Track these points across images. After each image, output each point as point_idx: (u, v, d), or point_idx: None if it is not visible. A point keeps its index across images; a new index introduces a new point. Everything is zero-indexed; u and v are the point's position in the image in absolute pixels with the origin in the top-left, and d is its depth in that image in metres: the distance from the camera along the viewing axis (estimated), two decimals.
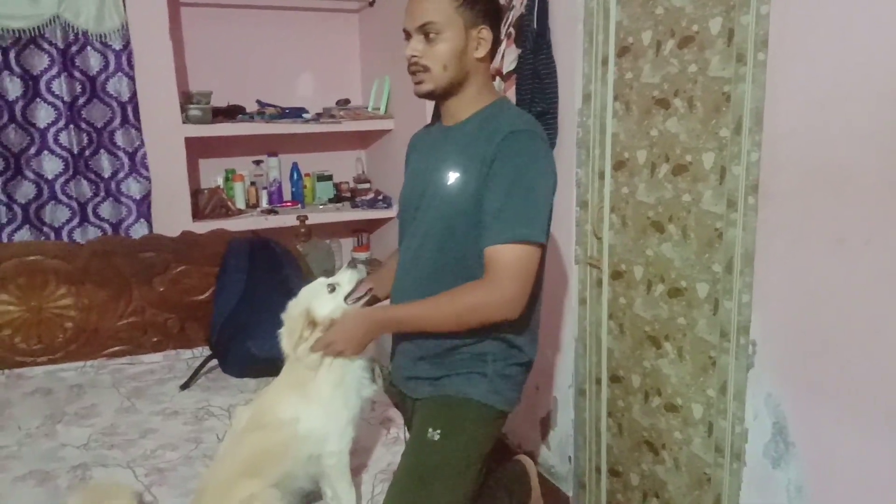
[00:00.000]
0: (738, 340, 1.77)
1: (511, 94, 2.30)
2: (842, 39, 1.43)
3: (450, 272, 1.50)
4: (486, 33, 1.49)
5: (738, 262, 1.74)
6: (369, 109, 3.37)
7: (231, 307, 2.39)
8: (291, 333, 1.56)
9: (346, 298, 1.58)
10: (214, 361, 2.35)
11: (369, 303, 1.64)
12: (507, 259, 1.40)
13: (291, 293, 2.44)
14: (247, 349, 2.27)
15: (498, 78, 2.36)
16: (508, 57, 2.34)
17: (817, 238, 1.52)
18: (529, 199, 1.41)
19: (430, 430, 1.51)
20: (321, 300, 1.57)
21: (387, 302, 1.69)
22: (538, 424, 2.65)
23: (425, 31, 1.45)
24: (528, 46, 2.31)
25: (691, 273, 1.91)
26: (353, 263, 1.65)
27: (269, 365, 2.25)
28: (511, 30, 2.37)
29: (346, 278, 1.60)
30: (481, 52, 1.50)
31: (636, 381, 2.17)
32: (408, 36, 1.50)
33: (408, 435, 1.86)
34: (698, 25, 1.79)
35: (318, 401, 1.53)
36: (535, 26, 2.29)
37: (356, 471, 1.74)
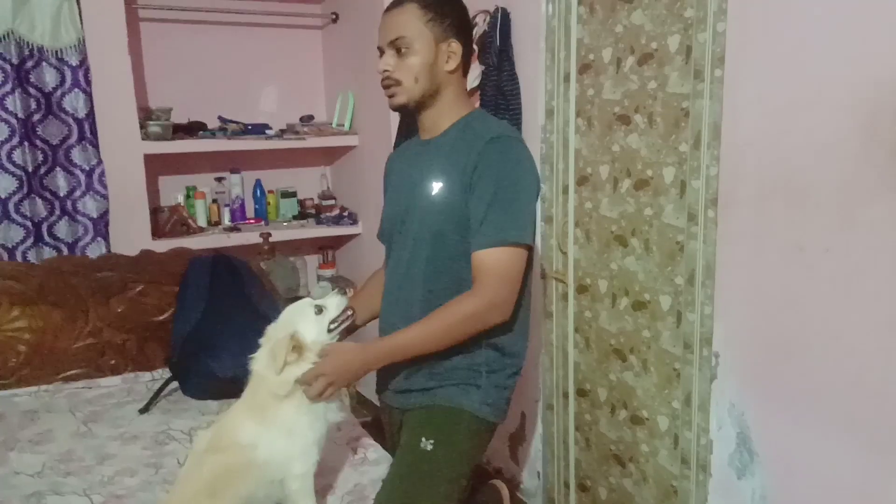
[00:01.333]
0: (701, 352, 1.79)
1: None
2: (797, 54, 1.47)
3: (443, 280, 1.52)
4: (456, 46, 1.52)
5: (699, 274, 1.76)
6: (333, 125, 3.36)
7: (191, 326, 2.33)
8: (276, 357, 1.47)
9: (330, 324, 1.53)
10: (175, 384, 2.29)
11: (349, 329, 1.61)
12: (493, 263, 1.42)
13: (255, 311, 2.42)
14: (209, 369, 2.21)
15: None
16: (472, 73, 2.35)
17: (777, 247, 1.55)
18: (513, 203, 1.44)
19: (423, 439, 1.50)
20: (308, 323, 1.51)
21: (373, 331, 1.67)
22: (507, 440, 2.64)
23: (396, 45, 1.48)
24: (492, 63, 2.33)
25: (654, 286, 1.93)
26: (340, 289, 1.59)
27: (231, 385, 2.19)
28: (474, 47, 2.39)
29: (335, 304, 1.54)
30: (451, 65, 1.53)
31: (603, 395, 2.18)
32: (381, 52, 1.53)
33: (384, 450, 1.84)
34: (657, 43, 1.83)
35: (279, 425, 1.47)
36: (498, 43, 2.32)
37: (322, 492, 1.70)
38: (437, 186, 1.50)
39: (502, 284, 1.43)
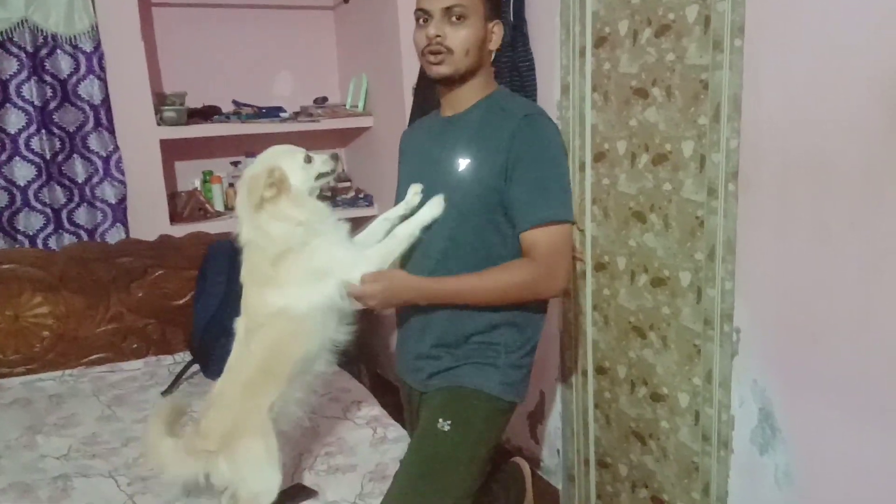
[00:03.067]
0: (721, 328, 1.77)
1: None
2: (820, 25, 1.43)
3: (464, 257, 1.52)
4: (499, 29, 1.53)
5: (719, 250, 1.74)
6: (347, 107, 3.35)
7: (212, 311, 2.36)
8: (252, 192, 1.42)
9: (317, 178, 1.51)
10: (196, 366, 2.32)
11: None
12: (546, 239, 1.44)
13: None
14: (229, 353, 2.23)
15: None
16: None
17: (800, 224, 1.52)
18: (555, 182, 1.46)
19: (441, 420, 1.51)
20: (293, 164, 1.47)
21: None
22: (526, 418, 2.65)
23: (454, 13, 1.45)
24: (506, 40, 2.29)
25: (674, 262, 1.91)
26: (334, 154, 1.58)
27: None
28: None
29: (322, 160, 1.53)
30: (494, 45, 1.54)
31: (622, 372, 2.17)
32: (425, 17, 1.49)
33: (405, 429, 1.85)
34: (675, 13, 1.79)
35: (297, 278, 1.44)
36: (512, 19, 2.28)
37: (343, 470, 1.72)
38: (463, 163, 1.49)
39: (558, 258, 1.46)
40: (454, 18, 1.45)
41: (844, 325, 1.45)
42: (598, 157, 2.15)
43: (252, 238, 1.46)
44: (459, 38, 1.46)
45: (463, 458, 1.51)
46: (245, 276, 1.51)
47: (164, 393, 2.20)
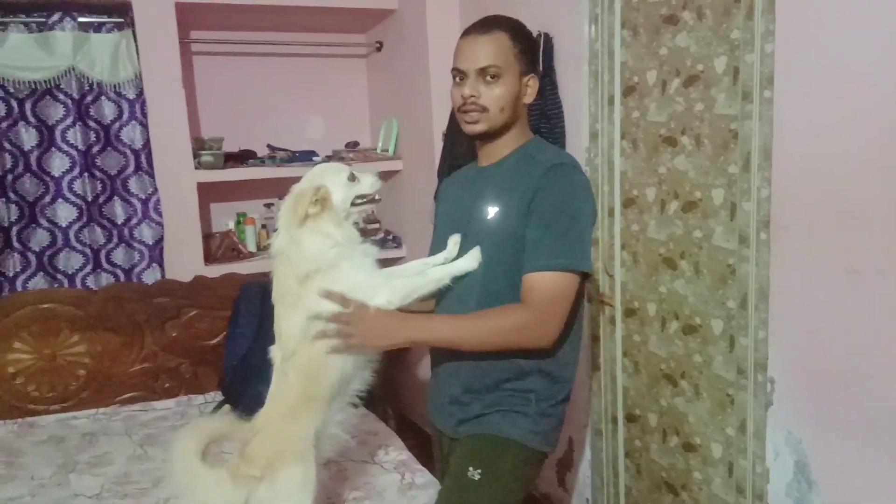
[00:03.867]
0: (755, 377, 1.74)
1: None
2: (846, 73, 1.44)
3: (497, 304, 1.50)
4: (534, 82, 1.55)
5: (752, 298, 1.73)
6: (378, 151, 3.41)
7: (243, 351, 2.39)
8: (296, 207, 1.44)
9: (357, 197, 1.51)
10: (227, 406, 2.34)
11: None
12: (544, 286, 1.42)
13: None
14: (258, 393, 2.24)
15: None
16: None
17: (830, 270, 1.51)
18: (570, 230, 1.44)
19: (471, 468, 1.49)
20: (338, 183, 1.48)
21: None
22: (555, 465, 2.61)
23: (488, 72, 1.48)
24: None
25: (705, 309, 1.90)
26: (379, 175, 1.58)
27: None
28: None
29: (370, 182, 1.53)
30: (528, 99, 1.55)
31: (653, 420, 2.14)
32: (461, 76, 1.52)
33: (431, 475, 1.84)
34: (703, 65, 1.81)
35: (322, 299, 1.44)
36: (541, 67, 2.33)
37: None
38: (492, 211, 1.51)
39: (552, 307, 1.42)
40: (489, 78, 1.48)
41: (877, 370, 1.43)
42: (627, 203, 2.16)
43: (285, 250, 1.48)
44: (494, 96, 1.49)
45: None
46: (276, 295, 1.54)
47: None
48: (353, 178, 1.52)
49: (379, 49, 3.40)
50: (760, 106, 1.64)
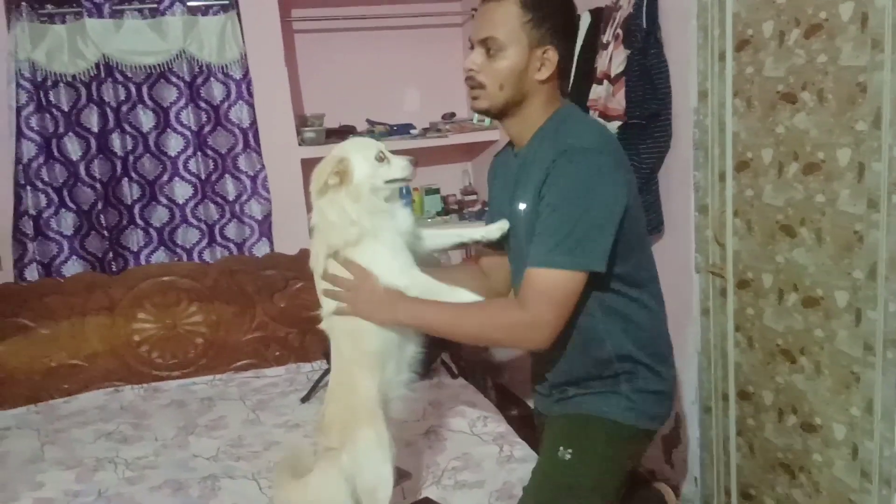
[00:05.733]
0: (885, 354, 1.60)
1: (620, 97, 2.22)
2: None
3: None
4: (552, 54, 1.40)
5: (882, 268, 1.57)
6: (474, 122, 3.37)
7: None
8: (318, 177, 1.44)
9: (386, 180, 1.46)
10: None
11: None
12: (542, 284, 1.31)
13: None
14: None
15: (606, 81, 2.29)
16: (616, 59, 2.26)
17: None
18: (577, 223, 1.30)
19: (562, 448, 1.46)
20: (364, 159, 1.44)
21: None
22: (660, 442, 2.52)
23: (486, 45, 1.38)
24: (637, 46, 2.22)
25: (828, 280, 1.75)
26: (414, 159, 1.52)
27: None
28: (619, 31, 2.29)
29: (400, 165, 1.47)
30: (543, 74, 1.41)
31: (768, 398, 2.01)
32: (472, 46, 1.44)
33: (530, 448, 1.82)
34: (826, 12, 1.65)
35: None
36: (645, 25, 2.20)
37: (470, 486, 1.72)
38: (522, 207, 1.42)
39: (548, 308, 1.31)
40: (491, 51, 1.38)
41: None
42: (741, 166, 2.02)
43: (316, 222, 1.48)
44: (492, 71, 1.38)
45: (586, 487, 1.44)
46: (312, 264, 1.54)
47: (303, 399, 2.30)
48: (381, 157, 1.46)
49: (474, 15, 3.34)
50: (893, 55, 1.47)
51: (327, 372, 2.39)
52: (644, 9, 2.18)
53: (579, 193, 1.31)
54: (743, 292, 2.07)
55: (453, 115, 3.48)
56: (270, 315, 2.64)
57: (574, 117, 1.46)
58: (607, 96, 2.27)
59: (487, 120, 3.30)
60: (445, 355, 2.56)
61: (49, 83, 2.72)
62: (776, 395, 1.98)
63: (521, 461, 1.79)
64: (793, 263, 1.86)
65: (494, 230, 1.51)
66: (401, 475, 1.75)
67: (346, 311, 1.45)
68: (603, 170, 1.33)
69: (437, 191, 3.52)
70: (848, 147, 1.64)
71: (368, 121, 3.39)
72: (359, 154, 1.46)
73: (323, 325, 1.56)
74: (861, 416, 1.69)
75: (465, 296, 1.46)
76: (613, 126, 2.26)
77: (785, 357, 1.93)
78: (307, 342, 2.66)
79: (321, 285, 1.51)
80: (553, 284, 1.31)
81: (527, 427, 1.94)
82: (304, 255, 2.77)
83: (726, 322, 2.15)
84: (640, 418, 1.48)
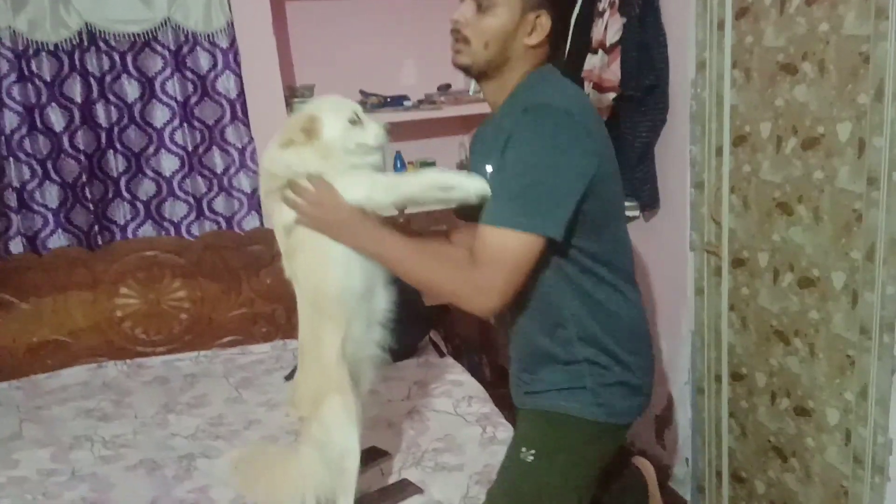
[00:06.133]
0: (881, 338, 1.54)
1: (615, 68, 2.13)
2: None
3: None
4: (545, 20, 1.31)
5: (881, 249, 1.51)
6: (471, 93, 3.27)
7: None
8: (285, 131, 1.36)
9: (356, 146, 1.36)
10: None
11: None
12: (493, 245, 1.22)
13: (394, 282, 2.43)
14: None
15: (601, 51, 2.20)
16: (612, 27, 2.16)
17: None
18: (536, 184, 1.21)
19: (524, 449, 1.38)
20: (335, 119, 1.35)
21: None
22: (652, 422, 2.48)
23: (478, 2, 1.30)
24: (634, 14, 2.12)
25: (825, 261, 1.68)
26: (388, 127, 1.42)
27: None
28: (572, 20, 2.18)
29: (374, 131, 1.38)
30: (533, 40, 1.32)
31: (761, 380, 1.96)
32: None
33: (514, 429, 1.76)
34: None
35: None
36: None
37: (450, 468, 1.68)
38: (489, 170, 1.33)
39: (498, 272, 1.22)
40: (482, 5, 1.29)
41: None
42: (738, 140, 1.94)
43: (268, 168, 1.41)
44: (479, 28, 1.30)
45: (551, 489, 1.37)
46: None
47: (287, 377, 2.26)
48: (355, 120, 1.37)
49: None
50: None
51: None
52: None
53: (542, 153, 1.22)
54: (738, 272, 2.01)
55: (448, 86, 3.38)
56: (257, 291, 2.59)
57: (548, 79, 1.37)
58: (602, 66, 2.18)
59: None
60: (434, 334, 2.51)
61: (31, 52, 2.64)
62: (769, 377, 1.93)
63: (503, 443, 1.74)
64: (789, 242, 1.79)
65: (474, 185, 1.34)
66: (380, 455, 1.73)
67: (306, 223, 1.37)
68: (571, 133, 1.24)
69: (432, 164, 3.44)
70: (849, 121, 1.56)
71: (362, 91, 3.30)
72: (331, 113, 1.37)
73: (287, 274, 1.49)
74: (855, 401, 1.63)
75: (433, 174, 1.42)
76: (608, 97, 2.17)
77: (779, 339, 1.87)
78: (294, 318, 2.59)
79: (283, 211, 1.40)
80: (503, 245, 1.22)
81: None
82: None
83: (720, 302, 2.09)
84: (608, 414, 1.37)
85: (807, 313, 1.76)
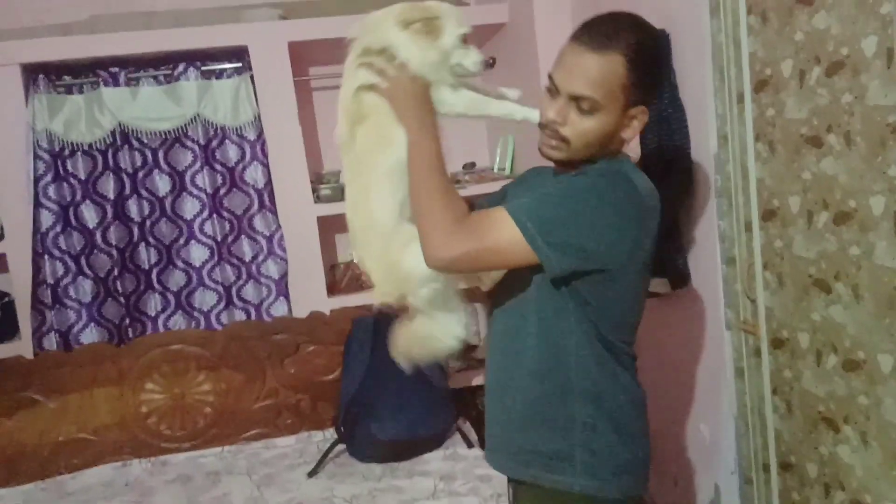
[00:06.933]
0: None
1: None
2: None
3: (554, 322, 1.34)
4: (644, 116, 1.30)
5: None
6: (495, 170, 3.28)
7: (355, 388, 2.34)
8: (407, 13, 1.31)
9: (454, 65, 1.35)
10: (342, 446, 2.30)
11: None
12: (492, 223, 1.22)
13: (415, 369, 2.36)
14: (370, 431, 2.19)
15: None
16: None
17: None
18: (569, 216, 1.21)
19: None
20: (454, 31, 1.31)
21: None
22: None
23: (582, 103, 1.26)
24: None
25: (870, 341, 1.56)
26: (489, 60, 1.43)
27: (393, 449, 2.17)
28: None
29: (474, 59, 1.36)
30: (630, 135, 1.31)
31: (812, 471, 1.81)
32: (554, 90, 1.30)
33: None
34: (848, 48, 1.50)
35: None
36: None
37: None
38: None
39: (475, 241, 1.20)
40: (583, 107, 1.26)
41: None
42: (767, 215, 1.86)
43: (374, 32, 1.35)
44: (580, 130, 1.27)
45: None
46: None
47: (310, 474, 2.19)
48: (465, 41, 1.36)
49: (492, 65, 3.26)
50: None
51: (336, 443, 2.29)
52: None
53: (595, 200, 1.22)
54: (778, 352, 1.88)
55: (473, 164, 3.39)
56: (281, 381, 2.56)
57: (627, 164, 1.37)
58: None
59: (508, 167, 3.21)
60: (462, 420, 2.42)
61: (66, 152, 2.75)
62: (821, 467, 1.77)
63: None
64: (830, 322, 1.68)
65: (524, 111, 1.42)
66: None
67: (381, 87, 1.33)
68: (631, 206, 1.24)
69: None
70: (881, 194, 1.47)
71: None
72: (453, 21, 1.33)
73: (340, 140, 1.43)
74: None
75: (508, 107, 1.45)
76: None
77: (828, 426, 1.73)
78: (320, 408, 2.56)
79: (360, 75, 1.37)
80: (499, 228, 1.20)
81: None
82: (316, 317, 2.72)
83: (762, 384, 1.96)
84: (605, 486, 1.30)
85: (855, 398, 1.63)
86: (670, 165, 2.08)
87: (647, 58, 1.26)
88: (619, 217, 1.23)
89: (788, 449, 1.89)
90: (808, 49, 1.63)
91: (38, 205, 2.70)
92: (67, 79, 2.75)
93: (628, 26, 1.26)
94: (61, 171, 2.75)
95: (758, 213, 1.89)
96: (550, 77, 1.32)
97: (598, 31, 1.26)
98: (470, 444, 2.28)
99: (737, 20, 1.85)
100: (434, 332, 1.40)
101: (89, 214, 2.78)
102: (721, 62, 1.93)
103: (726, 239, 2.02)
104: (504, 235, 1.20)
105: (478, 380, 3.03)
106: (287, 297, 2.95)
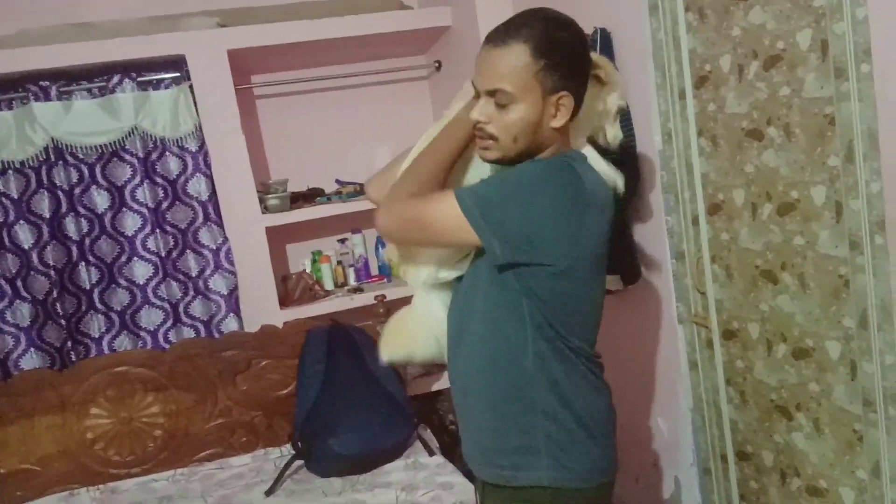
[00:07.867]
0: (887, 411, 1.43)
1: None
2: None
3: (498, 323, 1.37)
4: (568, 101, 1.30)
5: (873, 316, 1.42)
6: None
7: (311, 402, 2.28)
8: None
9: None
10: (300, 461, 2.24)
11: None
12: (439, 199, 1.29)
13: (373, 383, 2.32)
14: (329, 448, 2.14)
15: None
16: None
17: None
18: (507, 199, 1.26)
19: None
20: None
21: None
22: None
23: (497, 99, 1.27)
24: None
25: (817, 330, 1.59)
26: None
27: (353, 463, 2.12)
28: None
29: (612, 134, 1.49)
30: (559, 122, 1.31)
31: (768, 459, 1.84)
32: (476, 93, 1.33)
33: None
34: (784, 42, 1.53)
35: None
36: None
37: None
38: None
39: (416, 209, 1.30)
40: (498, 103, 1.28)
41: None
42: (713, 209, 1.88)
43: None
44: (504, 125, 1.29)
45: None
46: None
47: (268, 493, 2.13)
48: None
49: (438, 68, 3.26)
50: (858, 83, 1.35)
51: (293, 459, 2.23)
52: (598, 50, 2.08)
53: (535, 186, 1.24)
54: (730, 343, 1.91)
55: None
56: (233, 399, 2.48)
57: (577, 159, 1.38)
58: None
59: None
60: (423, 428, 2.39)
61: None
62: (776, 455, 1.80)
63: None
64: (778, 311, 1.71)
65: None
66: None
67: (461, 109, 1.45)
68: (571, 195, 1.26)
69: None
70: (822, 184, 1.50)
71: (338, 181, 3.28)
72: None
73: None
74: (868, 479, 1.51)
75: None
76: None
77: (782, 414, 1.76)
78: (275, 424, 2.49)
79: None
80: (438, 200, 1.29)
81: None
82: (267, 331, 2.66)
83: (716, 376, 1.98)
84: (575, 477, 1.31)
85: (806, 386, 1.66)
86: (617, 163, 2.09)
87: (552, 41, 1.26)
88: (556, 205, 1.26)
89: (744, 438, 1.92)
90: (745, 44, 1.65)
91: None
92: None
93: (530, 18, 1.29)
94: None
95: (704, 208, 1.92)
96: (473, 83, 1.34)
97: (500, 29, 1.30)
98: (431, 452, 2.24)
99: (675, 18, 1.87)
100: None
101: (24, 235, 2.65)
102: (662, 60, 1.95)
103: (674, 234, 2.04)
104: (444, 209, 1.26)
105: (438, 385, 3.00)
106: (237, 311, 2.86)
